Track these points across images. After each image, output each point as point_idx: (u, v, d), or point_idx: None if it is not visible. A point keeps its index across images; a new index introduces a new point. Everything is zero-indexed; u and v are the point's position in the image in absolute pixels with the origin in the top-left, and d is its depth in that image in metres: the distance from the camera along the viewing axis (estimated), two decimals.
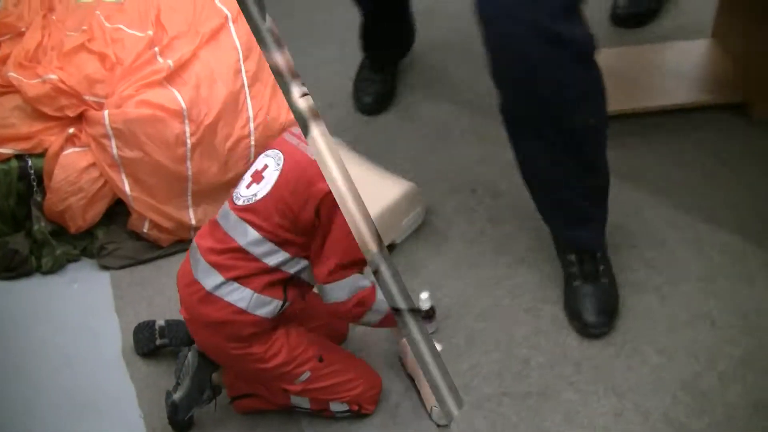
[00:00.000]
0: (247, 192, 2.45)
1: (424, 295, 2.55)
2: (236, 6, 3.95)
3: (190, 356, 2.61)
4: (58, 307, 3.24)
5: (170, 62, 3.61)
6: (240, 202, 2.45)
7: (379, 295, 2.47)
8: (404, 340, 2.85)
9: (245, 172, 3.51)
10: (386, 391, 2.73)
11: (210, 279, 2.41)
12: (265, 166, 2.47)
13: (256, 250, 2.38)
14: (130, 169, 3.46)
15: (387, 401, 2.69)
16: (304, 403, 2.59)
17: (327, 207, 2.32)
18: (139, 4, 4.01)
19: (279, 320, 2.49)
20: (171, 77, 3.61)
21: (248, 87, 3.72)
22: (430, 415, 2.65)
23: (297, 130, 2.53)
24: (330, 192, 2.18)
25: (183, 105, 3.50)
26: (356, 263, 2.42)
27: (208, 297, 2.41)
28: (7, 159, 3.45)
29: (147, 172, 3.47)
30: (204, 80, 3.62)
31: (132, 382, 2.83)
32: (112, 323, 3.13)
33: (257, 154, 3.59)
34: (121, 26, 3.85)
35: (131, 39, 3.78)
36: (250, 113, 3.67)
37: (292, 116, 3.69)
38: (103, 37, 3.78)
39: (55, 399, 2.75)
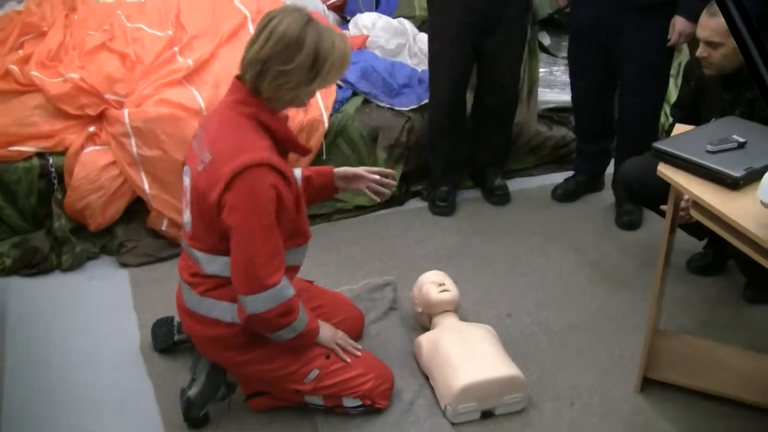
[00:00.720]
0: (186, 219, 2.45)
1: None
2: (255, 6, 3.99)
3: None
4: (78, 304, 3.27)
5: (190, 61, 3.65)
6: (186, 229, 2.46)
7: (302, 312, 2.42)
8: (419, 339, 2.87)
9: None
10: (400, 389, 2.73)
11: (189, 297, 2.47)
12: (187, 187, 2.41)
13: (212, 269, 2.40)
14: (149, 167, 3.50)
15: (401, 399, 2.69)
16: (317, 400, 2.60)
17: (227, 217, 2.23)
18: (159, 4, 4.05)
19: None
20: (190, 76, 3.65)
21: None
22: (444, 413, 2.66)
23: (199, 131, 2.43)
24: (239, 173, 2.14)
25: (202, 104, 3.53)
26: (278, 268, 2.31)
27: (194, 314, 2.47)
28: (28, 157, 3.50)
29: (166, 170, 3.50)
30: (223, 79, 3.65)
31: (149, 378, 2.85)
32: (131, 320, 3.16)
33: None
34: (142, 26, 3.90)
35: (151, 38, 3.82)
36: None
37: (309, 116, 3.75)
38: (124, 36, 3.82)
39: (73, 394, 2.77)
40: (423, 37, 4.48)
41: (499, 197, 4.04)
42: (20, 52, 3.77)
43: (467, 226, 3.85)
